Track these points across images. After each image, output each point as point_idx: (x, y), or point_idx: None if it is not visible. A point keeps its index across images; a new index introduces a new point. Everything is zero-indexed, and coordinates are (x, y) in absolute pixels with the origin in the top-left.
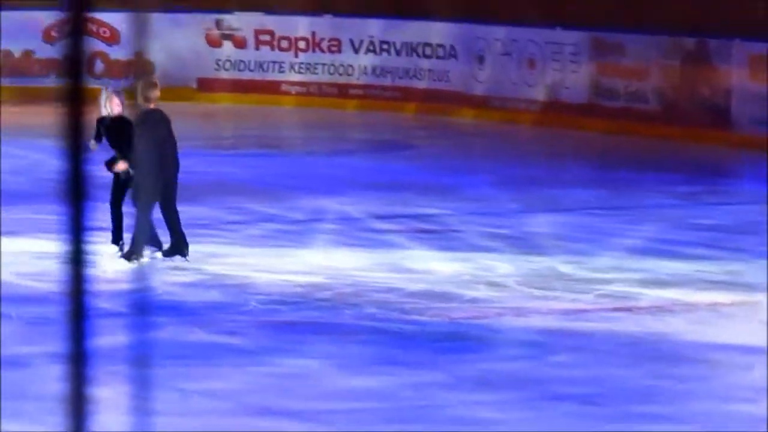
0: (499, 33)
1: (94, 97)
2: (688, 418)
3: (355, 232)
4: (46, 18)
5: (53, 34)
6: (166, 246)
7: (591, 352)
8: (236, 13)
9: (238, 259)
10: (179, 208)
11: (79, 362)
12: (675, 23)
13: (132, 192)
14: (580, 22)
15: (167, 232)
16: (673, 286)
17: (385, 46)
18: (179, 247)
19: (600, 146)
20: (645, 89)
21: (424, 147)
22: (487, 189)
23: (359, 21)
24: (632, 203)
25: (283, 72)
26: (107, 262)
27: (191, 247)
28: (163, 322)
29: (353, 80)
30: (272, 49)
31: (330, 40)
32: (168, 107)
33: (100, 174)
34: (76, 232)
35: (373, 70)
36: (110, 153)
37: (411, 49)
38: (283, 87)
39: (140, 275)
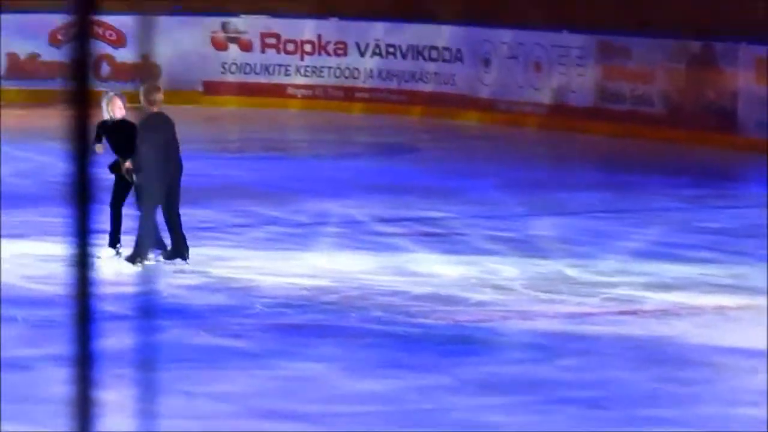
0: (505, 36)
1: (99, 101)
2: (694, 422)
3: (360, 235)
4: (52, 21)
5: (59, 36)
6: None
7: (597, 356)
8: (242, 16)
9: (243, 262)
10: (184, 210)
11: (84, 365)
12: (681, 26)
13: (136, 195)
14: (586, 25)
15: (167, 235)
16: (678, 290)
17: (390, 50)
18: (180, 250)
19: (606, 149)
20: (651, 92)
21: (430, 150)
22: (493, 192)
23: (365, 24)
24: (638, 206)
25: (288, 75)
26: (113, 265)
27: (197, 250)
28: (169, 325)
29: (359, 83)
30: (278, 52)
31: (336, 43)
32: (174, 110)
33: (105, 177)
34: (82, 234)
35: (379, 73)
36: (114, 156)
37: (417, 52)
38: (289, 90)
39: (145, 278)
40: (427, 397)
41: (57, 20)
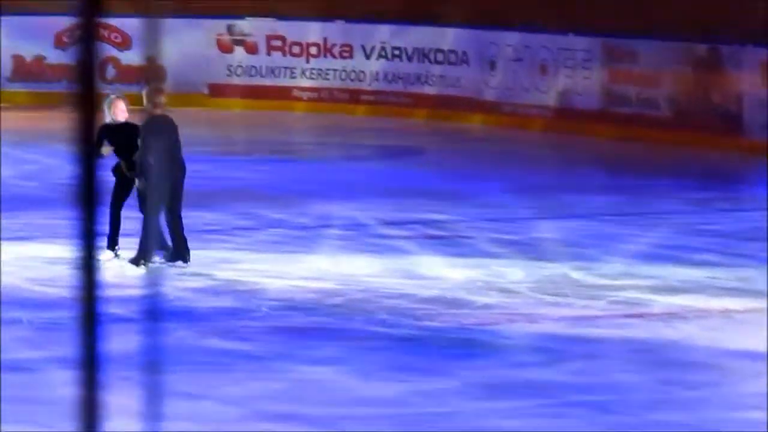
0: (511, 39)
1: (101, 103)
2: (700, 425)
3: (365, 238)
4: (58, 23)
5: (65, 39)
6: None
7: (603, 359)
8: (248, 18)
9: (249, 265)
10: (190, 213)
11: (90, 367)
12: (687, 29)
13: (139, 197)
14: (592, 28)
15: (169, 237)
16: (684, 293)
17: (396, 52)
18: (180, 252)
19: (611, 152)
20: (657, 95)
21: (435, 153)
22: (499, 195)
23: (371, 27)
24: (644, 209)
25: (294, 78)
26: (116, 268)
27: (203, 252)
28: (175, 328)
29: (364, 86)
30: (284, 54)
31: (341, 45)
32: (179, 113)
33: (110, 179)
34: (88, 237)
35: (385, 75)
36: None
37: (422, 54)
38: (295, 93)
39: (152, 280)
40: (433, 400)
41: (63, 22)
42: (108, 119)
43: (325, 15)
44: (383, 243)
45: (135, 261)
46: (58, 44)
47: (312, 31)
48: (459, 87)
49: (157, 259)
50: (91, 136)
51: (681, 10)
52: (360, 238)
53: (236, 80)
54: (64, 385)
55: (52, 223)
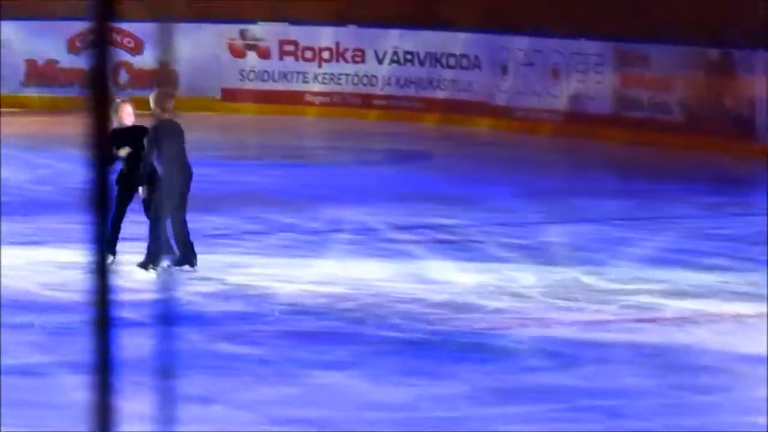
0: (522, 43)
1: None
2: (712, 430)
3: (377, 243)
4: (71, 27)
5: (78, 43)
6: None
7: (614, 363)
8: (260, 23)
9: (260, 269)
10: (201, 217)
11: (103, 372)
12: (699, 34)
13: (145, 202)
14: (604, 32)
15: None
16: (696, 297)
17: (408, 56)
18: (187, 257)
19: (623, 157)
20: (669, 100)
21: (447, 157)
22: (509, 199)
23: (383, 31)
24: (655, 214)
25: (306, 82)
26: (127, 273)
27: (214, 257)
28: (186, 332)
29: (376, 90)
30: (296, 59)
31: (354, 50)
32: (192, 117)
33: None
34: (101, 241)
35: (397, 80)
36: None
37: (434, 59)
38: (307, 97)
39: (164, 285)
40: (443, 405)
41: (76, 27)
42: (115, 124)
43: (337, 20)
44: (394, 247)
45: (143, 265)
46: (71, 48)
47: (324, 36)
48: (470, 91)
49: (165, 264)
50: (104, 141)
51: (693, 14)
52: (371, 242)
53: (249, 85)
54: (77, 389)
55: (65, 228)
